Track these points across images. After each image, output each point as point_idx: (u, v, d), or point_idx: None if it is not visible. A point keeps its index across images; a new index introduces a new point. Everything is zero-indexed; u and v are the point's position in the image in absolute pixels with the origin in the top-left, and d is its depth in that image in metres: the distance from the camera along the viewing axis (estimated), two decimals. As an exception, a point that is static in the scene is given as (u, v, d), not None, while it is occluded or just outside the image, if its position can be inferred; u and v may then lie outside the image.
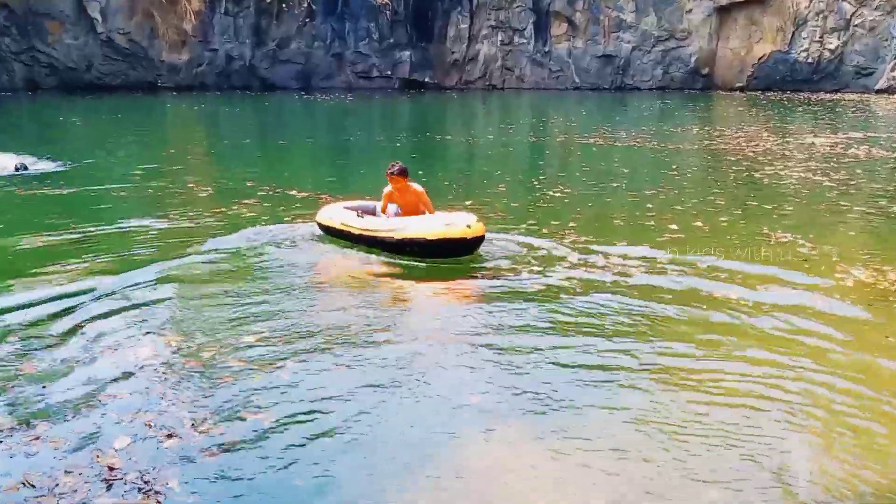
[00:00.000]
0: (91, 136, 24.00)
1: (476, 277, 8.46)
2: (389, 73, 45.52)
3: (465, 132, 26.06)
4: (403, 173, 9.48)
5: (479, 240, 8.99)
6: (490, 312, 7.34)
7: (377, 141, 23.02)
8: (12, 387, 5.66)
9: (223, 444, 4.93)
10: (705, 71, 48.17)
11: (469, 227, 8.85)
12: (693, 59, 47.91)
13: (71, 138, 23.13)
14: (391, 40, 44.80)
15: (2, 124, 25.98)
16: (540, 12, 46.84)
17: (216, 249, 9.58)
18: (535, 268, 8.72)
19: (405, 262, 9.02)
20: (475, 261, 9.07)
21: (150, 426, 5.12)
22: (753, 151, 19.84)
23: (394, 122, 30.10)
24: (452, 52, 46.39)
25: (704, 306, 7.52)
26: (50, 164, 16.21)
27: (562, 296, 7.82)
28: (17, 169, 15.24)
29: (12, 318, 6.99)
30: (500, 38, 46.90)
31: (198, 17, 40.32)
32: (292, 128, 27.10)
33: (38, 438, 4.94)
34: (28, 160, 16.12)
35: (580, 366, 6.15)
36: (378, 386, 5.79)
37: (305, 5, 42.05)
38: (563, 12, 46.88)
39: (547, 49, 47.57)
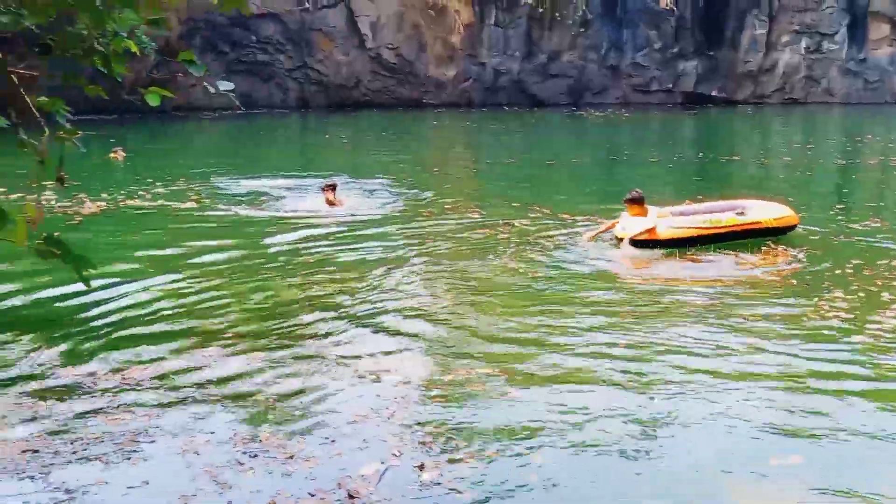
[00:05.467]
0: (354, 152, 25.86)
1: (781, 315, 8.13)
2: (671, 85, 44.70)
3: (756, 152, 24.99)
4: (634, 201, 11.51)
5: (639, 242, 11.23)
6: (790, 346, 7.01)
7: (651, 161, 22.72)
8: (276, 401, 6.23)
9: (485, 484, 5.08)
10: None
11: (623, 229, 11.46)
12: None
13: (335, 154, 25.08)
14: (674, 49, 44.01)
15: (272, 141, 28.76)
16: (855, 13, 43.90)
17: (481, 272, 10.00)
18: (844, 314, 8.19)
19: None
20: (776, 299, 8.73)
21: (397, 454, 5.41)
22: None
23: (673, 140, 29.53)
24: (746, 62, 44.67)
25: None
26: (309, 181, 17.67)
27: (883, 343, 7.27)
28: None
29: (283, 332, 7.72)
30: (804, 44, 44.48)
31: (467, 29, 42.09)
32: (561, 146, 27.47)
33: (292, 457, 5.39)
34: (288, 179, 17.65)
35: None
36: (664, 417, 5.72)
37: (580, 13, 42.52)
38: (884, 12, 43.59)
39: (862, 56, 44.39)
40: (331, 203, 14.58)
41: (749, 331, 7.85)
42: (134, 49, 3.36)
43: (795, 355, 7.18)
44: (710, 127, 35.81)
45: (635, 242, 11.27)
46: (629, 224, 11.47)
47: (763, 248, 11.28)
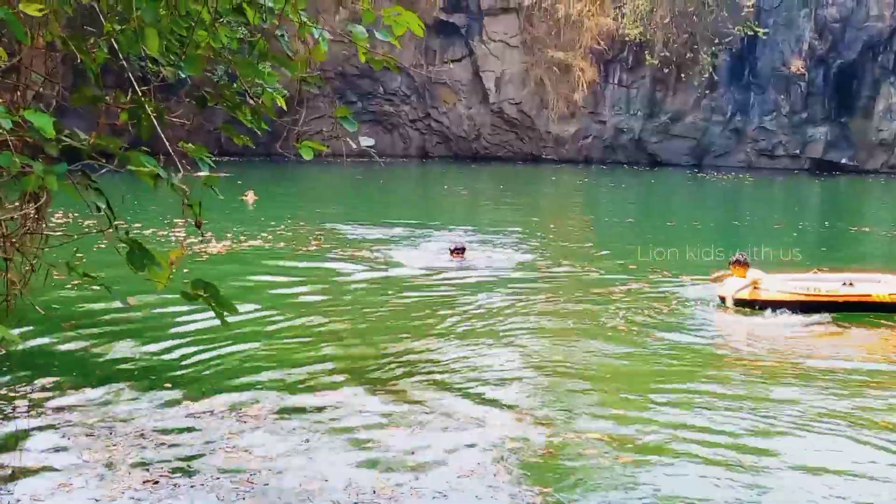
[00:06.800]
0: (472, 205, 26.08)
1: None
2: (797, 151, 43.52)
3: (889, 224, 23.99)
4: (738, 263, 11.83)
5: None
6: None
7: (775, 227, 22.10)
8: (386, 451, 6.26)
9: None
10: None
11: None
12: None
13: (454, 206, 25.35)
14: (803, 115, 42.90)
15: (393, 190, 29.34)
16: None
17: (592, 334, 9.90)
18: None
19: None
20: None
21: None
22: None
23: (799, 207, 28.69)
24: (879, 131, 43.14)
25: None
26: (428, 231, 17.89)
27: None
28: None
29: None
30: (942, 113, 42.75)
31: (590, 87, 42.13)
32: (681, 207, 27.04)
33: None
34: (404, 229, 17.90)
35: None
36: None
37: (707, 75, 42.00)
38: None
39: None
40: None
41: (870, 418, 7.47)
42: (281, 103, 3.50)
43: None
44: (839, 195, 34.66)
45: (727, 300, 11.56)
46: (732, 285, 11.68)
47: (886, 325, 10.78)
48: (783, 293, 11.37)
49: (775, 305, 11.31)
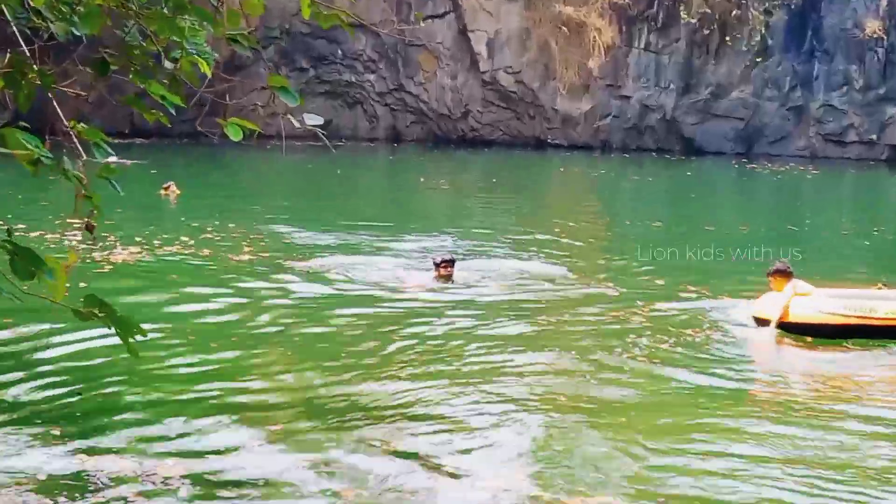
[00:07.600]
0: (456, 202, 26.09)
1: None
2: (874, 137, 43.82)
3: None
4: (779, 273, 11.96)
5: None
6: None
7: (843, 233, 22.26)
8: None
9: None
10: None
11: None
12: None
13: (433, 204, 25.36)
14: (881, 91, 43.21)
15: (353, 181, 29.30)
16: None
17: (605, 370, 9.98)
18: None
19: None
20: None
21: None
22: None
23: (874, 208, 28.89)
24: (977, 110, 43.66)
25: None
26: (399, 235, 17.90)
27: None
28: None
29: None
30: None
31: (608, 52, 42.18)
32: (724, 208, 27.17)
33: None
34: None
35: None
36: None
37: (758, 39, 42.19)
38: None
39: None
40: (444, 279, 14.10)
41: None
42: (205, 69, 3.50)
43: None
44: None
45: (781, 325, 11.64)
46: (770, 302, 11.82)
47: None
48: (828, 314, 11.37)
49: (818, 330, 11.35)
